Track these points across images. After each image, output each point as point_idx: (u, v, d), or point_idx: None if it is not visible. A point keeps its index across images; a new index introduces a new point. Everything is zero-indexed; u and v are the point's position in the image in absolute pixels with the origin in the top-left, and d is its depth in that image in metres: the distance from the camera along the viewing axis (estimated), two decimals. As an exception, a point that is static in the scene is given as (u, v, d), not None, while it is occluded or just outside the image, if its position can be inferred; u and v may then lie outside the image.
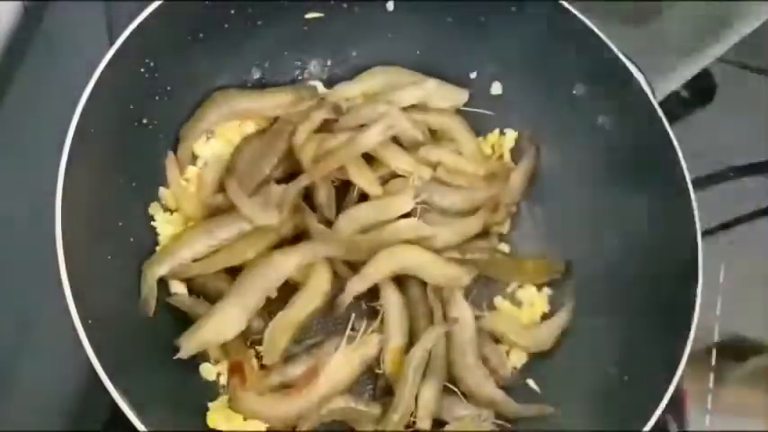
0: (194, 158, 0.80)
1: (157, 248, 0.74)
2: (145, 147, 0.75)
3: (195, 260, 0.73)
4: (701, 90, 0.99)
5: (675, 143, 0.73)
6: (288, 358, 0.72)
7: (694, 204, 0.72)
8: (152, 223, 0.75)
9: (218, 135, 0.81)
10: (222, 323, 0.69)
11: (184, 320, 0.72)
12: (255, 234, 0.74)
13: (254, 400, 0.69)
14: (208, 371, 0.72)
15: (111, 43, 0.68)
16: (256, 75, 0.83)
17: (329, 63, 0.86)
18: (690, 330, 0.67)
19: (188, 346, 0.68)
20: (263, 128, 0.81)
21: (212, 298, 0.72)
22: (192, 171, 0.79)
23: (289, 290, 0.75)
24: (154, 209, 0.75)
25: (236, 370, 0.69)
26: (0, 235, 0.78)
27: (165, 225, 0.75)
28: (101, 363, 0.58)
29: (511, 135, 0.87)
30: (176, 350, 0.68)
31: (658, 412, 0.64)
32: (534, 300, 0.82)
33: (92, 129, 0.65)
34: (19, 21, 0.88)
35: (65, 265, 0.59)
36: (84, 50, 0.86)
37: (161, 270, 0.71)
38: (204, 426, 0.68)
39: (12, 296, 0.76)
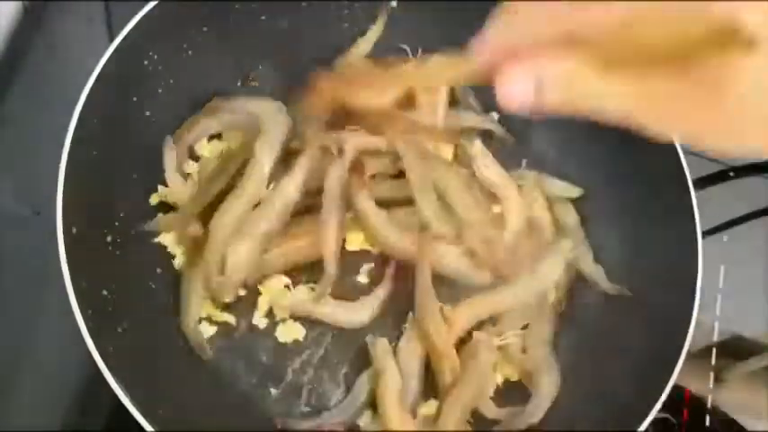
0: (195, 158, 0.80)
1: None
2: (146, 143, 0.74)
3: None
4: (701, 90, 0.98)
5: (676, 143, 0.73)
6: None
7: (694, 204, 0.72)
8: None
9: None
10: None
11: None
12: None
13: None
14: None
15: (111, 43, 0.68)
16: (258, 71, 0.83)
17: (329, 63, 0.86)
18: (689, 330, 0.67)
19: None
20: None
21: None
22: (192, 167, 0.77)
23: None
24: (155, 199, 0.75)
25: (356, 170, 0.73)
26: (1, 234, 0.78)
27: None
28: (105, 362, 0.58)
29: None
30: (183, 347, 0.68)
31: (655, 411, 0.64)
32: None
33: (92, 129, 0.65)
34: (19, 21, 0.88)
35: (66, 264, 0.59)
36: (84, 50, 0.86)
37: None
38: (212, 424, 0.67)
39: (12, 296, 0.76)
